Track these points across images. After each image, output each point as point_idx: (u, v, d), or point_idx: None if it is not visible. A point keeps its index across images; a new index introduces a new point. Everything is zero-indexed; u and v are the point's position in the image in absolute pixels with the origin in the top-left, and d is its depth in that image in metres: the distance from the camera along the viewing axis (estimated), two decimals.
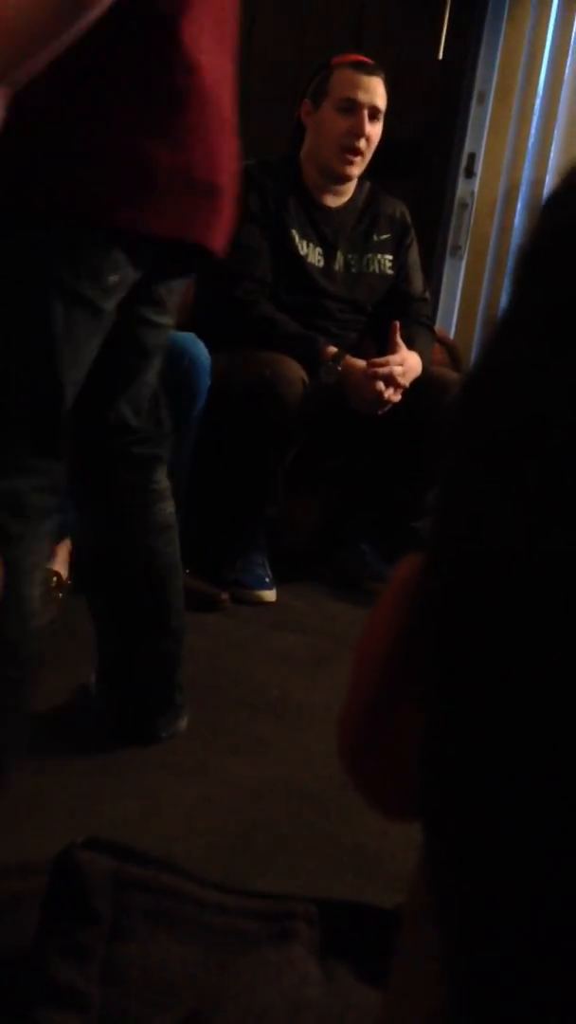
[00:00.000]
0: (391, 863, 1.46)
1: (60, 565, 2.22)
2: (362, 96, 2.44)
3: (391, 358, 2.37)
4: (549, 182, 3.43)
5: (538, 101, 3.43)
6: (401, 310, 2.58)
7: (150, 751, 1.70)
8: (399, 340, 2.41)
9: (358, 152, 2.46)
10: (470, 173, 3.43)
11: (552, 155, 3.43)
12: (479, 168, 3.44)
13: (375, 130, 2.48)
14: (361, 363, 2.37)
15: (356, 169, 2.50)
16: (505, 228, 3.51)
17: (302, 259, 2.51)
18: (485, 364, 0.18)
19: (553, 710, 0.14)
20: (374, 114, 2.46)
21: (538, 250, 0.18)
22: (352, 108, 2.44)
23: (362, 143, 2.45)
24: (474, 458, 0.17)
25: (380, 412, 2.38)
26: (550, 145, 3.43)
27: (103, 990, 0.25)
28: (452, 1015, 0.16)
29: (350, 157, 2.46)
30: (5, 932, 0.28)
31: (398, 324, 2.43)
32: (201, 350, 2.29)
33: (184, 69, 1.33)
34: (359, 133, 2.44)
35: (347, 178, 2.51)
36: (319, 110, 2.48)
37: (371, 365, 2.35)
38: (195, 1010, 0.23)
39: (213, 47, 1.37)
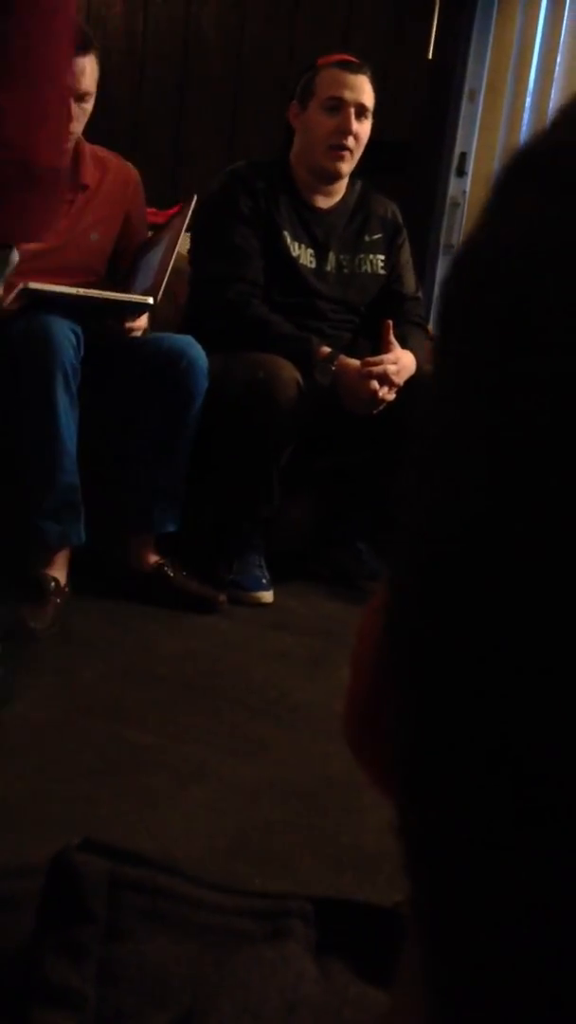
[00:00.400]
0: (390, 862, 1.46)
1: (59, 570, 2.22)
2: (348, 95, 2.44)
3: (385, 357, 2.37)
4: None
5: (528, 99, 3.43)
6: (394, 310, 2.58)
7: (148, 752, 1.71)
8: (392, 339, 2.41)
9: (346, 149, 2.46)
10: (461, 172, 3.44)
11: None
12: (470, 167, 3.45)
13: (363, 128, 2.48)
14: (355, 363, 2.37)
15: (346, 166, 2.49)
16: None
17: (294, 260, 2.52)
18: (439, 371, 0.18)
19: (509, 695, 0.15)
20: (361, 112, 2.46)
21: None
22: (338, 107, 2.44)
23: (350, 141, 2.45)
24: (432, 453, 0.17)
25: (375, 411, 2.38)
26: None
27: (99, 989, 0.25)
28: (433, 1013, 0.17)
29: (339, 154, 2.46)
30: (1, 933, 0.28)
31: (391, 323, 2.44)
32: (199, 352, 2.29)
33: None
34: (346, 131, 2.44)
35: (338, 175, 2.51)
36: (306, 111, 2.49)
37: (365, 364, 2.35)
38: (191, 1008, 0.23)
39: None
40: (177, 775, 1.65)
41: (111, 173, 2.46)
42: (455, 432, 0.17)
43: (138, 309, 2.26)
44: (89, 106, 2.32)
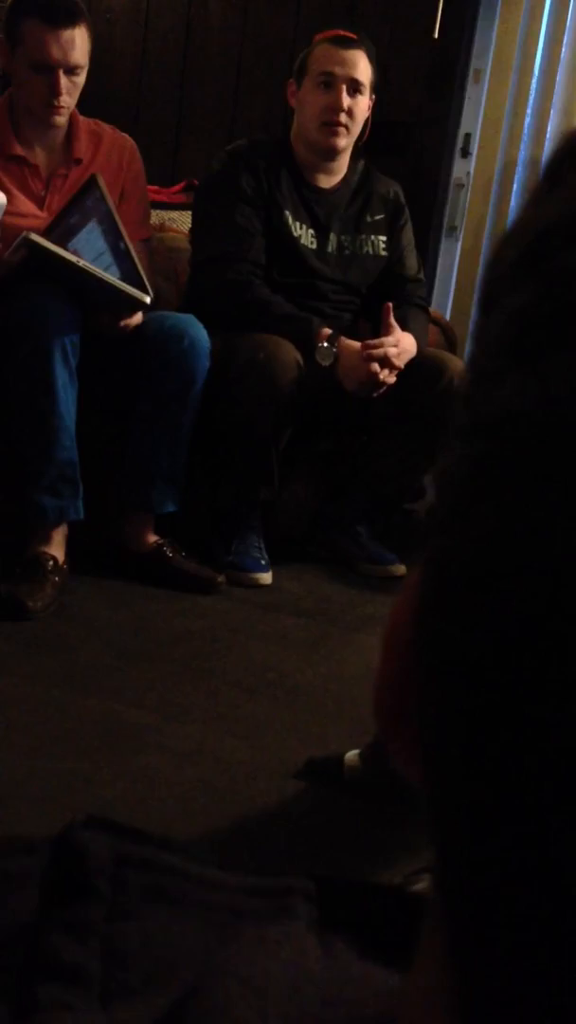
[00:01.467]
0: (388, 841, 1.47)
1: (57, 549, 2.22)
2: (339, 70, 2.41)
3: (385, 339, 2.36)
4: (546, 159, 3.41)
5: (534, 80, 3.41)
6: (395, 291, 2.57)
7: (146, 733, 1.71)
8: (392, 321, 2.40)
9: (339, 124, 2.43)
10: (466, 153, 3.41)
11: (548, 134, 3.42)
12: (475, 148, 3.43)
13: (358, 104, 2.45)
14: (356, 345, 2.36)
15: (342, 141, 2.47)
16: (501, 208, 3.50)
17: (295, 240, 2.50)
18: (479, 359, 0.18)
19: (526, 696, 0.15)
20: (355, 87, 2.43)
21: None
22: (330, 83, 2.42)
23: (343, 117, 2.43)
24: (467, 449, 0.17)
25: (375, 394, 2.37)
26: (546, 124, 3.41)
27: (103, 966, 0.25)
28: (461, 999, 0.17)
29: (333, 130, 2.44)
30: (5, 910, 0.28)
31: (391, 305, 2.43)
32: (201, 332, 2.28)
33: None
34: (338, 107, 2.41)
35: (334, 151, 2.49)
36: (301, 88, 2.47)
37: (365, 347, 2.34)
38: (195, 985, 0.24)
39: None
40: (175, 755, 1.66)
41: (105, 145, 2.42)
42: (495, 413, 0.17)
43: (133, 305, 2.22)
44: (80, 79, 2.29)
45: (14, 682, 1.84)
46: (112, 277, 2.21)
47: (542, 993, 0.15)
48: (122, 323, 2.24)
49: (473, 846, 0.16)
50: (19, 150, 2.33)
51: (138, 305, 2.22)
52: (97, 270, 2.18)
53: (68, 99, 2.28)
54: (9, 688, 1.81)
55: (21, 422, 2.18)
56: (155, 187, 2.82)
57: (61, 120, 2.31)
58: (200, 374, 2.28)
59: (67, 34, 2.22)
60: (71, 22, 2.22)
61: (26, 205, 2.33)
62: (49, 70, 2.23)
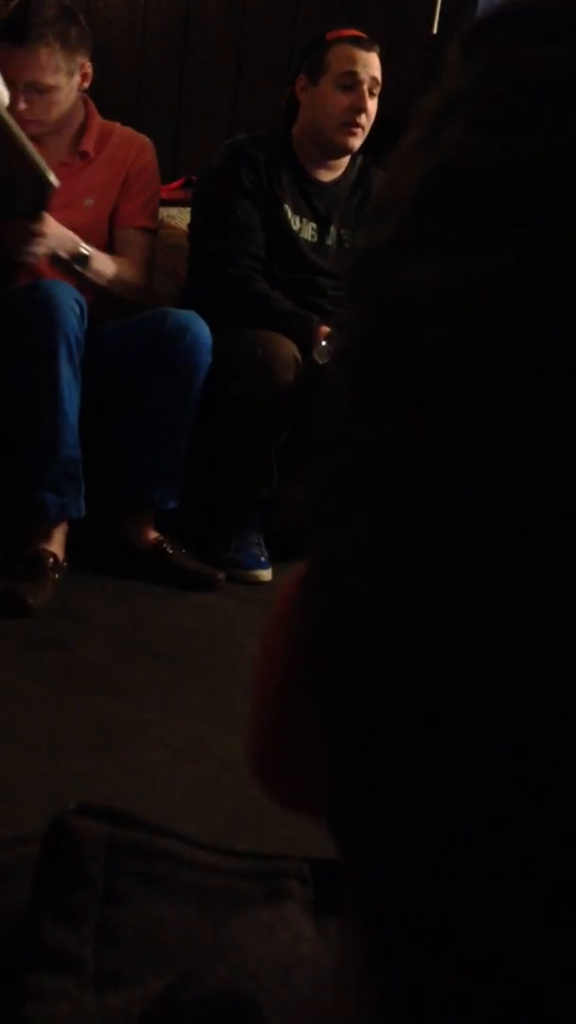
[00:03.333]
0: None
1: (57, 546, 2.22)
2: (362, 71, 2.43)
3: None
4: None
5: None
6: None
7: (146, 729, 1.71)
8: None
9: (359, 126, 2.45)
10: None
11: None
12: None
13: (373, 105, 2.47)
14: None
15: (358, 142, 2.50)
16: None
17: (295, 234, 2.50)
18: None
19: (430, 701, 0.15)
20: (373, 89, 2.45)
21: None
22: (353, 85, 2.43)
23: (363, 118, 2.45)
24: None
25: None
26: None
27: (97, 952, 0.25)
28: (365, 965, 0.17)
29: (352, 131, 2.46)
30: (0, 899, 0.28)
31: None
32: (203, 328, 2.28)
33: None
34: (361, 108, 2.43)
35: (350, 151, 2.51)
36: (317, 86, 2.47)
37: None
38: (189, 969, 0.23)
39: None
40: (175, 752, 1.66)
41: (114, 141, 2.43)
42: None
43: (39, 190, 2.16)
44: (54, 95, 2.28)
45: (14, 679, 1.84)
46: (27, 143, 2.11)
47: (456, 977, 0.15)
48: (33, 229, 2.18)
49: (400, 892, 0.16)
50: (32, 129, 2.34)
51: (43, 197, 2.16)
52: (16, 127, 2.10)
53: (37, 113, 2.29)
54: (9, 685, 1.81)
55: (25, 419, 2.18)
56: None
57: (35, 131, 2.31)
58: (202, 370, 2.28)
59: (23, 53, 2.23)
60: (27, 40, 2.22)
61: None
62: (13, 86, 2.25)
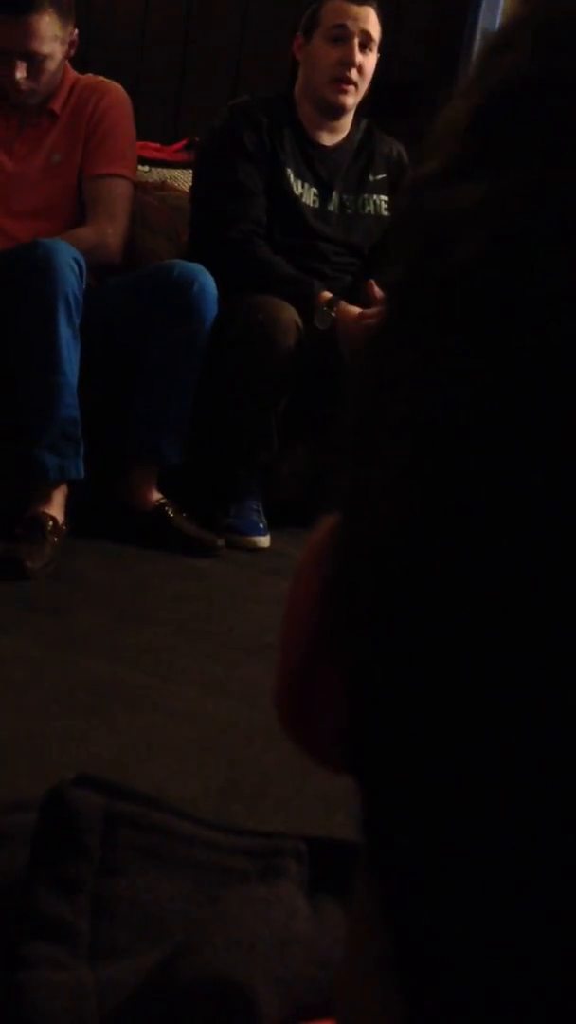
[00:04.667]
0: None
1: (56, 509, 2.22)
2: (351, 24, 2.38)
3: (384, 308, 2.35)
4: None
5: None
6: None
7: (144, 693, 1.72)
8: (379, 295, 2.37)
9: (350, 82, 2.40)
10: None
11: None
12: None
13: (368, 60, 2.41)
14: (355, 310, 2.34)
15: (350, 99, 2.44)
16: None
17: (297, 199, 2.47)
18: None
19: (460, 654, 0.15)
20: (365, 43, 2.40)
21: None
22: (342, 37, 2.38)
23: (353, 73, 2.39)
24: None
25: None
26: None
27: (92, 923, 0.25)
28: (397, 965, 0.17)
29: (343, 87, 2.41)
30: None
31: (373, 282, 2.40)
32: (209, 279, 2.26)
33: None
34: (350, 62, 2.38)
35: (342, 109, 2.46)
36: (310, 42, 2.43)
37: (363, 316, 2.32)
38: (183, 943, 0.24)
39: None
40: (172, 715, 1.67)
41: (81, 94, 2.39)
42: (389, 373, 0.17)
43: None
44: (48, 64, 2.27)
45: (12, 642, 1.84)
46: None
47: (478, 950, 0.15)
48: None
49: (402, 804, 0.16)
50: (27, 100, 2.33)
51: None
52: None
53: (30, 83, 2.28)
54: (7, 648, 1.82)
55: (24, 379, 2.17)
56: (156, 144, 2.79)
57: (28, 100, 2.31)
58: (209, 320, 2.27)
59: (21, 21, 2.20)
60: (26, 10, 2.19)
61: None
62: (7, 56, 2.21)
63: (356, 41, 2.38)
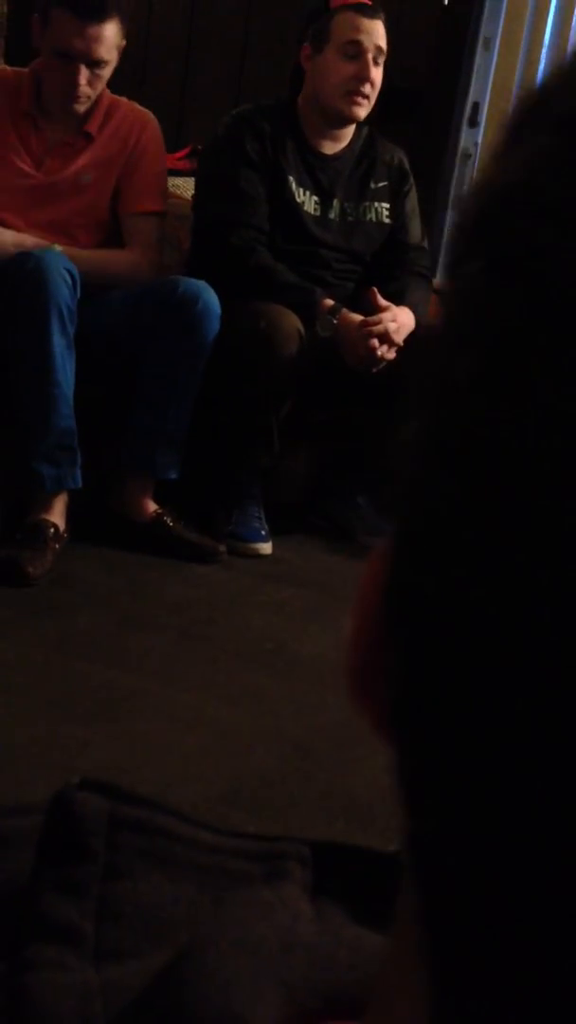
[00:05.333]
0: (382, 811, 1.48)
1: (58, 516, 2.22)
2: (366, 40, 2.39)
3: (383, 315, 2.35)
4: None
5: (545, 49, 3.37)
6: (397, 259, 2.55)
7: (145, 699, 1.72)
8: (383, 303, 2.38)
9: (365, 95, 2.42)
10: (474, 122, 3.38)
11: None
12: (483, 117, 3.39)
13: (378, 74, 2.44)
14: (357, 317, 2.35)
15: (363, 111, 2.46)
16: None
17: (298, 206, 2.48)
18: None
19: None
20: (377, 58, 2.42)
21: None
22: (357, 53, 2.40)
23: (367, 88, 2.42)
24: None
25: (374, 370, 2.36)
26: None
27: (97, 926, 0.25)
28: (431, 958, 0.17)
29: (357, 100, 2.43)
30: (0, 870, 0.28)
31: (375, 290, 2.40)
32: (213, 296, 2.26)
33: None
34: (365, 78, 2.40)
35: (354, 121, 2.48)
36: (321, 55, 2.44)
37: (364, 325, 2.33)
38: (188, 946, 0.24)
39: None
40: (173, 722, 1.67)
41: (116, 119, 2.40)
42: (456, 382, 0.17)
43: None
44: (105, 72, 2.27)
45: (13, 647, 1.84)
46: None
47: (516, 959, 0.15)
48: None
49: (442, 800, 0.16)
50: (32, 110, 2.34)
51: None
52: None
53: (88, 90, 2.28)
54: (8, 652, 1.82)
55: (19, 390, 2.17)
56: None
57: (80, 108, 2.32)
58: (211, 337, 2.27)
59: (93, 29, 2.19)
60: (100, 16, 2.19)
61: (23, 161, 2.32)
62: (71, 61, 2.21)
63: (370, 56, 2.39)
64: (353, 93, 2.41)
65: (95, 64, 2.24)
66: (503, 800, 0.15)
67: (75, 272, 2.15)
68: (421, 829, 0.17)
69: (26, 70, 2.37)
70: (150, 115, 2.46)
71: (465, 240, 0.18)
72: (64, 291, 2.11)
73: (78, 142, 2.37)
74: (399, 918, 0.20)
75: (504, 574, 0.15)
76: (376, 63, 2.42)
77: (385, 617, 0.18)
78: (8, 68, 2.49)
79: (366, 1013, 0.20)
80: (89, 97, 2.30)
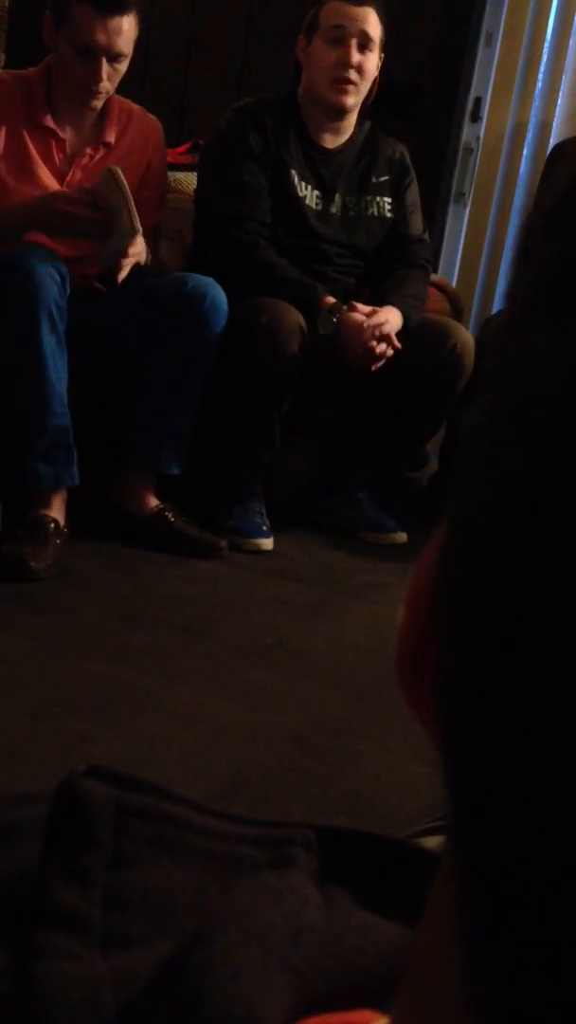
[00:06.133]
0: (384, 807, 1.48)
1: (58, 512, 2.22)
2: (350, 25, 2.37)
3: (381, 311, 2.35)
4: (556, 127, 3.37)
5: (547, 44, 3.36)
6: (398, 251, 2.55)
7: (146, 695, 1.72)
8: (363, 309, 2.37)
9: (350, 82, 2.40)
10: (475, 117, 3.38)
11: (560, 99, 3.37)
12: (485, 112, 3.38)
13: (368, 61, 2.41)
14: (357, 317, 2.34)
15: (351, 99, 2.44)
16: (510, 175, 3.46)
17: (300, 200, 2.48)
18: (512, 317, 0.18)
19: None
20: (364, 43, 2.39)
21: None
22: (340, 38, 2.38)
23: (352, 74, 2.39)
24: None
25: (373, 368, 2.36)
26: (558, 89, 3.37)
27: (104, 913, 0.25)
28: (468, 949, 0.17)
29: (343, 87, 2.41)
30: (6, 858, 0.28)
31: (355, 304, 2.39)
32: (220, 293, 2.26)
33: None
34: (347, 63, 2.37)
35: (343, 109, 2.46)
36: (311, 45, 2.43)
37: (367, 327, 2.32)
38: (196, 934, 0.24)
39: None
40: (174, 717, 1.67)
41: (133, 127, 2.41)
42: (523, 364, 0.17)
43: (126, 236, 2.18)
44: (123, 66, 2.27)
45: (14, 642, 1.84)
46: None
47: (552, 952, 0.15)
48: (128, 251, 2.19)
49: (487, 791, 0.16)
50: (50, 122, 2.32)
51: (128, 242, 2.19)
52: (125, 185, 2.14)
53: (108, 85, 2.27)
54: (9, 648, 1.82)
55: (12, 391, 2.16)
56: None
57: (97, 104, 2.31)
58: (217, 334, 2.27)
59: (115, 22, 2.19)
60: (121, 10, 2.19)
61: (47, 177, 2.32)
62: (92, 55, 2.20)
63: (354, 42, 2.37)
64: (338, 80, 2.39)
65: (115, 58, 2.23)
66: (548, 793, 0.15)
67: (63, 270, 2.14)
68: (464, 813, 0.17)
69: (31, 72, 2.35)
70: (158, 124, 2.47)
71: (538, 226, 0.18)
72: (52, 290, 2.10)
73: (98, 152, 2.37)
74: (432, 908, 0.20)
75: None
76: (363, 50, 2.39)
77: (437, 604, 0.18)
78: (9, 73, 2.45)
79: (394, 1006, 0.20)
80: (108, 92, 2.29)
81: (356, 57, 2.38)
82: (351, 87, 2.40)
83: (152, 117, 2.47)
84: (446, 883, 0.18)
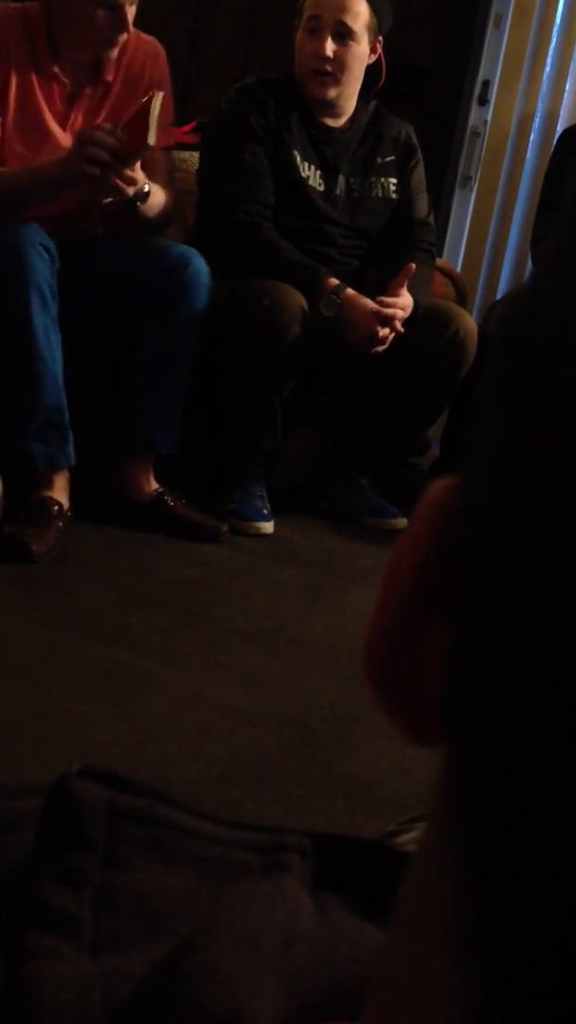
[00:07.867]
0: (381, 791, 1.49)
1: (60, 494, 2.21)
2: (326, 16, 2.32)
3: (396, 300, 2.31)
4: (564, 112, 3.35)
5: (556, 26, 3.33)
6: (402, 234, 2.53)
7: (146, 677, 1.72)
8: (402, 286, 2.34)
9: (326, 73, 2.36)
10: (483, 101, 3.35)
11: (568, 84, 3.34)
12: (493, 95, 3.35)
13: (348, 51, 2.35)
14: (360, 299, 2.32)
15: (330, 91, 2.39)
16: (518, 159, 3.44)
17: (303, 181, 2.45)
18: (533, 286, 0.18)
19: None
20: (343, 33, 2.33)
21: None
22: (317, 29, 2.34)
23: (328, 65, 2.34)
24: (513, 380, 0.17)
25: (374, 351, 2.34)
26: (567, 72, 3.34)
27: (95, 915, 0.25)
28: (468, 937, 0.16)
29: (320, 79, 2.37)
30: (2, 854, 0.28)
31: (412, 268, 2.35)
32: (203, 264, 2.23)
33: None
34: (320, 54, 2.33)
35: (320, 100, 2.42)
36: (297, 32, 2.41)
37: (377, 310, 2.29)
38: (188, 938, 0.24)
39: None
40: (173, 700, 1.67)
41: (128, 55, 2.32)
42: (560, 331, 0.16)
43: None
44: (134, 11, 2.22)
45: (15, 623, 1.85)
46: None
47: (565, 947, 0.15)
48: (127, 173, 2.12)
49: (502, 735, 0.15)
50: (55, 67, 2.26)
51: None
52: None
53: (124, 35, 2.22)
54: (9, 630, 1.82)
55: (4, 371, 2.13)
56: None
57: (116, 52, 2.25)
58: (202, 306, 2.24)
59: None
60: None
61: (54, 126, 2.27)
62: (117, 7, 2.16)
63: (328, 33, 2.32)
64: (316, 72, 2.36)
65: (125, 10, 2.18)
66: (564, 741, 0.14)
67: (52, 248, 2.11)
68: (464, 821, 0.16)
69: (31, 7, 2.27)
70: (159, 45, 2.39)
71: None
72: (42, 267, 2.07)
73: (97, 92, 2.32)
74: (405, 909, 0.19)
75: None
76: (342, 40, 2.33)
77: (437, 590, 0.17)
78: (8, 6, 2.36)
79: (364, 1012, 0.20)
80: (120, 42, 2.24)
81: (330, 48, 2.32)
82: (328, 78, 2.36)
83: (150, 39, 2.38)
84: (414, 887, 0.18)
